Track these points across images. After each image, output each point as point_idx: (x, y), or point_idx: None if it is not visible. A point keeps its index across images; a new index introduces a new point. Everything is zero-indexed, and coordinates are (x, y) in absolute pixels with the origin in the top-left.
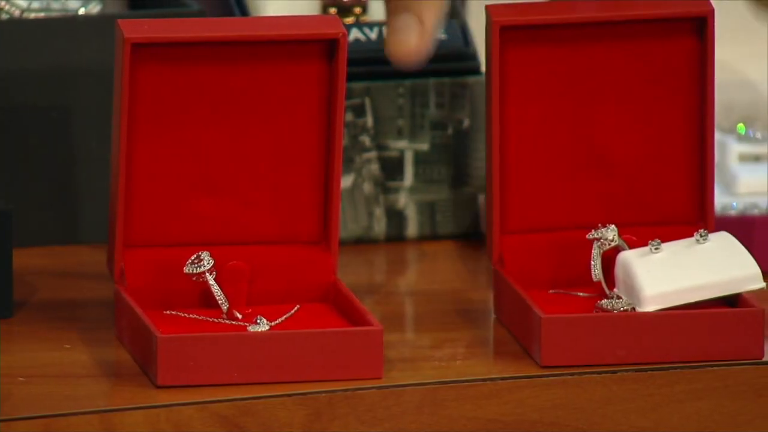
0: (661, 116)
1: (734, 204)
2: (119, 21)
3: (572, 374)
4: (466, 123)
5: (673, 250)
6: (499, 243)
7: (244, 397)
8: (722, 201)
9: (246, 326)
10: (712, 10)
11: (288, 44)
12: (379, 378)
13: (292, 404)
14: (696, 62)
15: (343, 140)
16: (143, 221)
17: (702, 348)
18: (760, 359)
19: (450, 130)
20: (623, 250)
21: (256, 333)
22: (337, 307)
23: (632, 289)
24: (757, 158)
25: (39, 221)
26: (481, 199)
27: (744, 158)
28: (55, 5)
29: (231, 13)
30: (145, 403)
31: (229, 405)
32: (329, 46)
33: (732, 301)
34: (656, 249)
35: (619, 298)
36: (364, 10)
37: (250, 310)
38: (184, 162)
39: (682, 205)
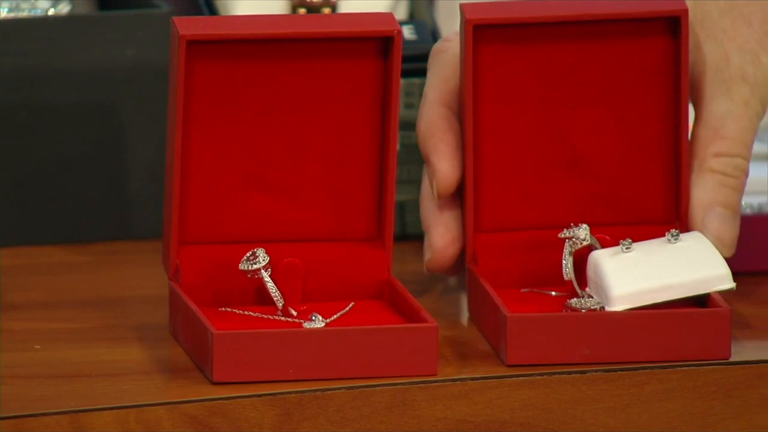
0: (635, 115)
1: None
2: (174, 18)
3: (542, 374)
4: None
5: (644, 249)
6: (472, 241)
7: (214, 397)
8: None
9: (301, 323)
10: (686, 10)
11: (343, 41)
12: (435, 374)
13: (262, 405)
14: (671, 61)
15: (398, 138)
16: (198, 218)
17: (668, 348)
18: (727, 359)
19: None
20: (595, 248)
21: (312, 330)
22: (391, 304)
23: (601, 289)
24: None
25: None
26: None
27: None
28: (25, 5)
29: (200, 14)
30: (198, 397)
31: (199, 405)
32: (384, 43)
33: (701, 301)
34: (627, 248)
35: (590, 297)
36: (333, 10)
37: (305, 307)
38: (239, 159)
39: (657, 205)
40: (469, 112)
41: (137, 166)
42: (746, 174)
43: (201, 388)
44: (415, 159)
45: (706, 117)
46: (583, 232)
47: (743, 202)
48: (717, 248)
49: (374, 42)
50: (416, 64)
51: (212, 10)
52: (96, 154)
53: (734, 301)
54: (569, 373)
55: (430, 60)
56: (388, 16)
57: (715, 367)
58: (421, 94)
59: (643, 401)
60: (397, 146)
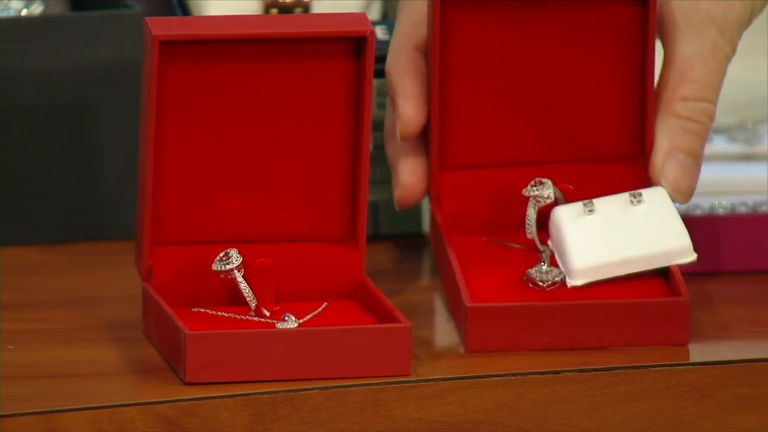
0: (600, 57)
1: (677, 204)
2: (147, 19)
3: (515, 375)
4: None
5: (606, 212)
6: (437, 180)
7: (187, 398)
8: None
9: (274, 323)
10: None
11: (316, 42)
12: (408, 375)
13: (235, 405)
14: (638, 3)
15: (371, 138)
16: (171, 219)
17: (627, 335)
18: (685, 344)
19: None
20: (560, 202)
21: (285, 330)
22: (364, 304)
23: (563, 256)
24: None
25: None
26: (424, 199)
27: None
28: None
29: (173, 14)
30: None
31: (171, 406)
32: (357, 43)
33: (663, 271)
34: (590, 211)
35: (550, 266)
36: (306, 10)
37: (278, 308)
38: (212, 160)
39: (621, 143)
40: (435, 54)
41: (110, 167)
42: (712, 118)
43: (174, 389)
44: (386, 160)
45: (673, 59)
46: (547, 191)
47: (691, 204)
48: (673, 197)
49: (347, 42)
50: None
51: (185, 11)
52: (69, 154)
53: (711, 302)
54: (542, 373)
55: (399, 5)
56: (360, 17)
57: (688, 367)
58: None
59: (617, 402)
60: (370, 146)
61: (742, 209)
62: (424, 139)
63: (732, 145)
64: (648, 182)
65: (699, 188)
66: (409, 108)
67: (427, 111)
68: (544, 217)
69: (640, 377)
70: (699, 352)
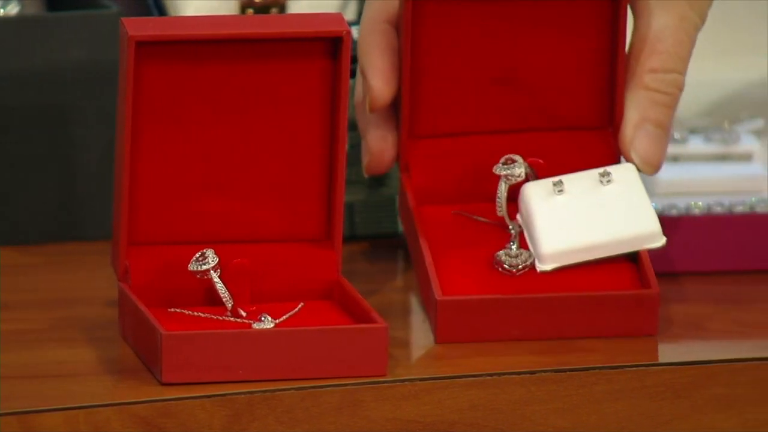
0: (569, 28)
1: (654, 204)
2: (123, 19)
3: (491, 375)
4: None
5: (575, 192)
6: (406, 149)
7: (163, 398)
8: None
9: (250, 324)
10: None
11: (292, 42)
12: (384, 375)
13: (211, 405)
14: None
15: (347, 138)
16: (148, 219)
17: (597, 326)
18: (654, 335)
19: None
20: (531, 178)
21: (261, 330)
22: (340, 304)
23: (533, 239)
24: (675, 159)
25: (41, 218)
26: (400, 200)
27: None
28: None
29: (149, 15)
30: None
31: (148, 406)
32: (333, 43)
33: (633, 255)
34: (560, 191)
35: (519, 248)
36: (282, 9)
37: (254, 308)
38: (188, 160)
39: (591, 112)
40: (407, 27)
41: (86, 167)
42: (681, 89)
43: (150, 389)
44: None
45: (643, 30)
46: (518, 170)
47: (666, 204)
48: (642, 169)
49: (323, 42)
50: None
51: (161, 11)
52: (45, 155)
53: (687, 301)
54: (518, 373)
55: None
56: (336, 17)
57: (664, 367)
58: None
59: (592, 402)
60: (347, 147)
61: (718, 209)
62: (394, 111)
63: (708, 146)
64: (617, 152)
65: (675, 188)
66: (378, 82)
67: (396, 84)
68: (514, 191)
69: (616, 377)
70: (675, 352)
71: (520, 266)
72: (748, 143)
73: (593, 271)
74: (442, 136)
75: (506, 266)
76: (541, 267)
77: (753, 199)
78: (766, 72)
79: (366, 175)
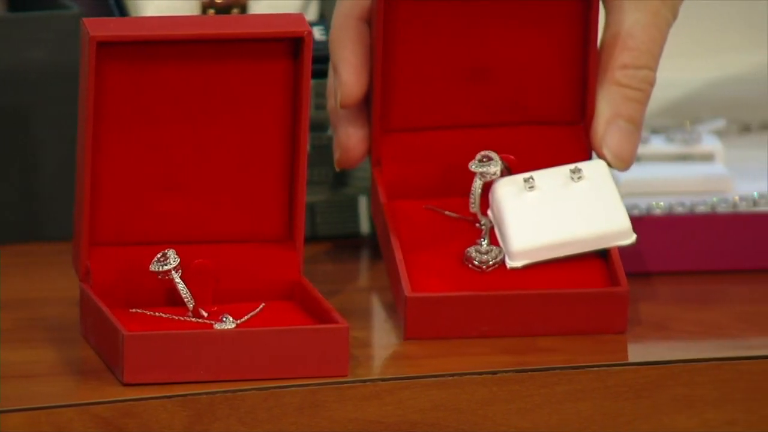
0: (542, 23)
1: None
2: (84, 20)
3: (452, 375)
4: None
5: (546, 190)
6: (378, 143)
7: (125, 398)
8: None
9: (212, 324)
10: None
11: (253, 42)
12: (345, 375)
13: (173, 406)
14: None
15: (309, 139)
16: (109, 219)
17: (566, 324)
18: (624, 332)
19: (330, 132)
20: (504, 174)
21: (223, 331)
22: (302, 304)
23: (503, 235)
24: (637, 159)
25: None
26: (361, 200)
27: None
28: None
29: (110, 15)
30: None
31: (110, 407)
32: (294, 44)
33: (603, 252)
34: (531, 187)
35: (490, 245)
36: (243, 10)
37: (215, 308)
38: (150, 160)
39: (563, 107)
40: (379, 20)
41: (48, 168)
42: (652, 85)
43: (112, 390)
44: (326, 160)
45: (615, 26)
46: (494, 167)
47: (628, 204)
48: (614, 164)
49: (285, 43)
50: (327, 65)
51: (122, 11)
52: (6, 155)
53: (648, 301)
54: (480, 373)
55: None
56: (298, 17)
57: (626, 367)
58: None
59: (554, 402)
60: (308, 147)
61: (680, 209)
62: (365, 105)
63: (670, 146)
64: (588, 147)
65: (636, 188)
66: (350, 77)
67: (368, 80)
68: (484, 188)
69: (577, 377)
70: (637, 352)
71: (490, 262)
72: (709, 143)
73: (563, 268)
74: (413, 130)
75: (476, 262)
76: (510, 264)
77: (714, 199)
78: (728, 72)
79: (337, 169)
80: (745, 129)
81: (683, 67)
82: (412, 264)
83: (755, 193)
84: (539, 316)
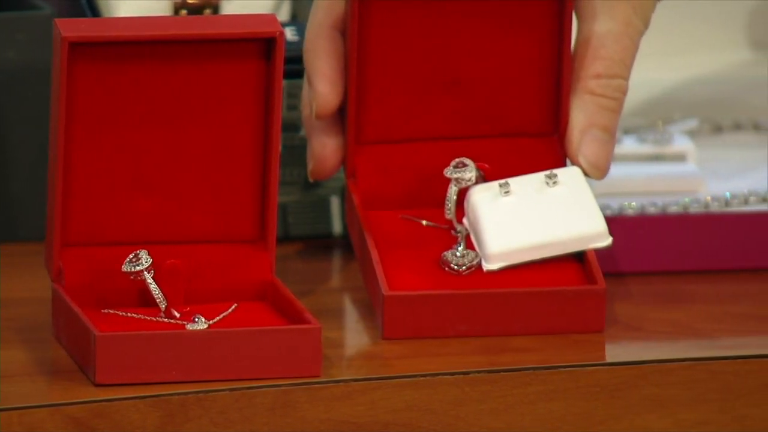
0: (516, 35)
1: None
2: (56, 20)
3: (424, 375)
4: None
5: (522, 193)
6: (353, 154)
7: (97, 399)
8: None
9: (184, 325)
10: None
11: (225, 43)
12: (318, 376)
13: (145, 407)
14: None
15: (281, 139)
16: (81, 220)
17: (544, 322)
18: (601, 331)
19: (302, 132)
20: (479, 182)
21: (194, 331)
22: (274, 305)
23: (479, 240)
24: None
25: None
26: (334, 200)
27: None
28: None
29: (82, 16)
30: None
31: (82, 407)
32: (266, 44)
33: (579, 254)
34: (506, 192)
35: (466, 249)
36: (215, 10)
37: (188, 309)
38: (122, 161)
39: (537, 118)
40: (354, 32)
41: (20, 169)
42: (625, 93)
43: (84, 390)
44: (299, 161)
45: (587, 36)
46: (469, 173)
47: (600, 204)
48: (590, 173)
49: (257, 43)
50: (299, 66)
51: (94, 12)
52: None
53: (621, 302)
54: (452, 374)
55: None
56: (270, 18)
57: (598, 368)
58: (301, 97)
59: (526, 402)
60: (280, 148)
61: (652, 210)
62: (340, 115)
63: (642, 146)
64: (563, 158)
65: (608, 189)
66: (325, 88)
67: (343, 91)
68: (461, 195)
69: (550, 378)
70: (610, 352)
71: (467, 266)
72: (681, 143)
73: (540, 269)
74: (388, 142)
75: (453, 266)
76: (487, 267)
77: (686, 199)
78: (699, 72)
79: (311, 180)
80: (717, 129)
81: (655, 68)
82: (389, 266)
83: (727, 194)
84: (517, 315)
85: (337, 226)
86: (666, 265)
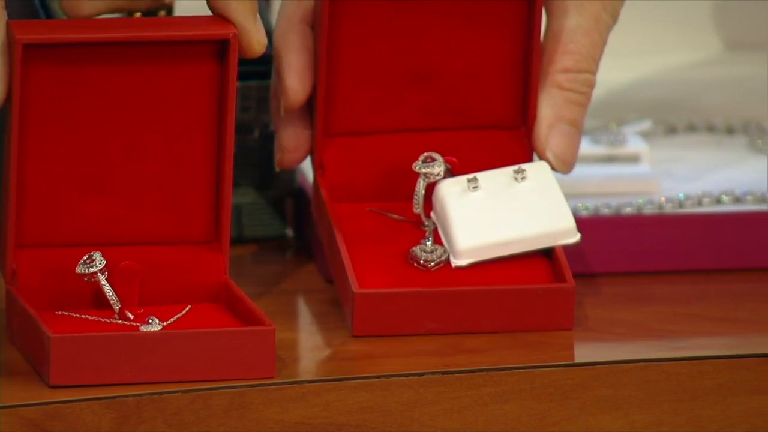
0: (485, 28)
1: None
2: (10, 22)
3: (378, 377)
4: (273, 126)
5: (490, 189)
6: (321, 146)
7: (51, 401)
8: None
9: (138, 326)
10: None
11: (179, 45)
12: (272, 377)
13: (100, 408)
14: None
15: (235, 140)
16: (35, 222)
17: (513, 320)
18: (570, 329)
19: (256, 134)
20: (447, 176)
21: (148, 333)
22: (228, 306)
23: (447, 235)
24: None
25: None
26: (289, 201)
27: None
28: None
29: (36, 18)
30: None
31: (36, 409)
32: (220, 46)
33: (548, 251)
34: (474, 188)
35: (434, 244)
36: (170, 12)
37: (142, 311)
38: (76, 163)
39: (505, 111)
40: (324, 25)
41: None
42: (593, 88)
43: (38, 392)
44: (253, 162)
45: (556, 30)
46: (438, 168)
47: (572, 205)
48: (557, 167)
49: (210, 45)
50: (253, 67)
51: (48, 14)
52: None
53: (579, 304)
54: (406, 375)
55: None
56: (224, 20)
57: (552, 369)
58: (257, 98)
59: (480, 403)
60: (234, 149)
61: (606, 211)
62: (308, 108)
63: (596, 147)
64: (531, 151)
65: (563, 190)
66: (294, 82)
67: (312, 85)
68: (429, 189)
69: (504, 379)
70: (563, 353)
71: (435, 261)
72: (635, 145)
73: (508, 266)
74: (356, 134)
75: (421, 261)
76: (456, 263)
77: (640, 200)
78: (653, 73)
79: (277, 169)
80: (671, 130)
81: (609, 68)
82: (358, 262)
83: (681, 195)
84: (486, 312)
85: (291, 228)
86: (621, 266)
